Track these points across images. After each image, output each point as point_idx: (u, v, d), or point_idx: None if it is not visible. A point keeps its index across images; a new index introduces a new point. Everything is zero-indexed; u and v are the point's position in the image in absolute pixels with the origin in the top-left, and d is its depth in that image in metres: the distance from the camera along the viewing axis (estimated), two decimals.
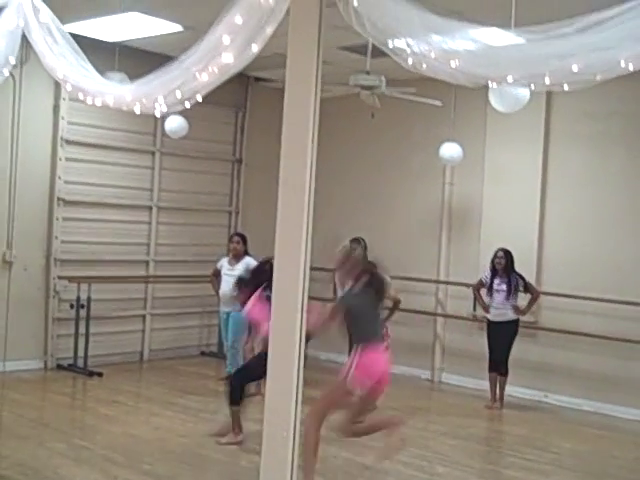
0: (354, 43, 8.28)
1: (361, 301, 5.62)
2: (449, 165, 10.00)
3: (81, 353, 9.28)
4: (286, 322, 4.11)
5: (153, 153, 10.28)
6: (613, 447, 7.49)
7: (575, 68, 3.71)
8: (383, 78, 7.75)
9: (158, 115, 4.86)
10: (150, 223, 10.28)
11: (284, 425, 4.08)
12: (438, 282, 10.20)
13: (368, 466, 6.42)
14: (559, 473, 6.58)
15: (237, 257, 8.57)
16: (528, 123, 9.26)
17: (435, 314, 10.20)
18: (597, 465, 6.88)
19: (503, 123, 9.21)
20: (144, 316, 10.28)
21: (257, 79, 11.02)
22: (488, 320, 8.77)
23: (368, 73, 7.75)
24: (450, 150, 9.43)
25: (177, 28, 8.24)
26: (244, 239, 8.67)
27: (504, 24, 4.17)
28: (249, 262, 8.36)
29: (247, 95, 11.27)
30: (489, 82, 3.98)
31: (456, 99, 9.94)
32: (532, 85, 3.91)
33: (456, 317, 9.93)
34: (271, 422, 4.19)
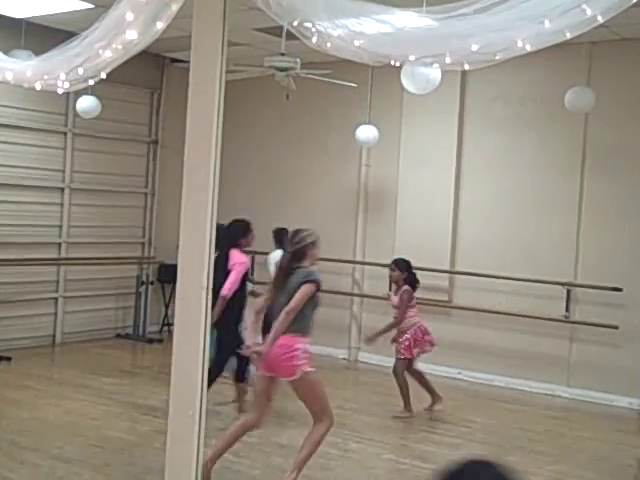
0: (269, 25, 8.25)
1: None
2: (365, 147, 10.08)
3: None
4: (191, 300, 4.10)
5: (65, 134, 10.05)
6: (523, 420, 7.71)
7: (474, 47, 3.78)
8: (298, 60, 7.75)
9: (60, 92, 4.76)
10: (62, 205, 10.06)
11: (190, 404, 4.08)
12: (354, 262, 10.29)
13: (283, 444, 6.46)
14: (469, 446, 6.73)
15: None
16: (443, 106, 9.40)
17: (352, 294, 10.29)
18: (507, 438, 7.06)
19: (419, 106, 9.34)
20: (56, 299, 10.08)
21: (173, 60, 10.90)
22: None
23: (283, 55, 7.73)
24: (366, 132, 9.50)
25: (87, 5, 8.05)
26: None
27: (416, 4, 4.21)
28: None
29: (163, 76, 11.11)
30: (392, 61, 4.02)
31: (372, 82, 10.03)
32: (434, 64, 3.98)
33: (372, 297, 10.03)
34: (177, 401, 4.18)
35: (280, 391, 8.29)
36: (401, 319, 7.59)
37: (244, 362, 6.91)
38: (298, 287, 5.17)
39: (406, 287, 7.65)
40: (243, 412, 6.75)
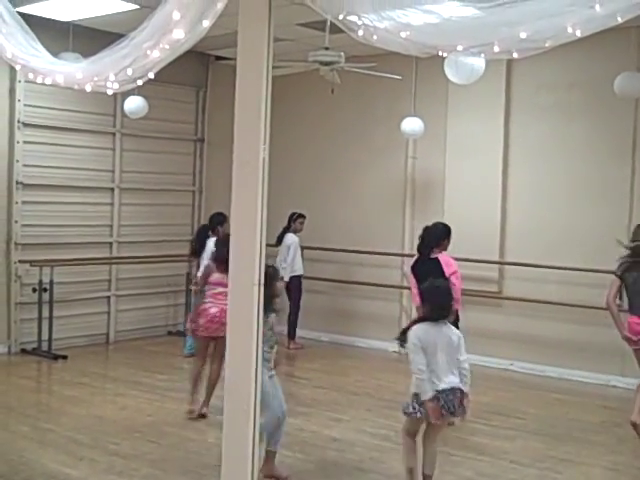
0: (313, 19, 8.26)
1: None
2: (411, 139, 10.03)
3: (45, 337, 9.24)
4: (244, 297, 4.12)
5: (113, 134, 10.19)
6: (577, 411, 7.62)
7: (523, 35, 3.74)
8: (342, 54, 7.74)
9: (110, 93, 4.82)
10: (112, 204, 10.22)
11: (244, 399, 4.11)
12: (403, 255, 10.25)
13: (336, 438, 6.48)
14: (524, 437, 6.69)
15: None
16: (489, 95, 9.32)
17: (401, 287, 10.26)
18: (561, 429, 6.99)
19: (464, 96, 9.27)
20: (109, 297, 10.24)
21: (217, 58, 10.97)
22: None
23: (327, 49, 7.73)
24: (412, 124, 9.46)
25: (133, 7, 8.14)
26: None
27: None
28: None
29: (208, 74, 11.20)
30: (439, 52, 3.99)
31: (417, 73, 9.99)
32: (482, 54, 3.94)
33: None
34: (232, 396, 4.21)
35: (333, 386, 8.36)
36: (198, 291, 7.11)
37: None
38: None
39: (209, 262, 7.09)
40: None
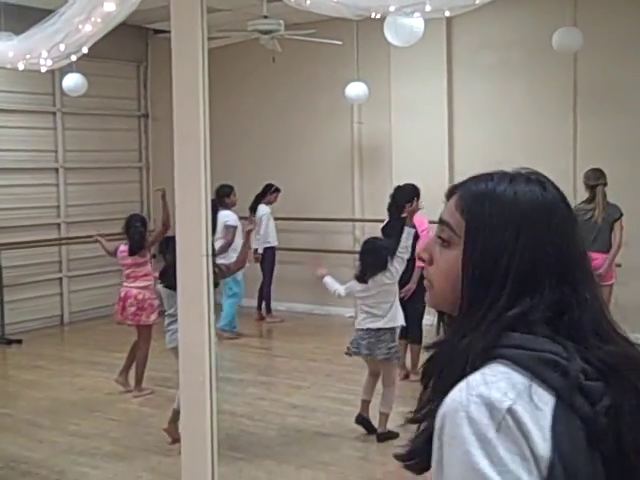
0: None
1: None
2: (356, 104, 10.03)
3: None
4: (192, 269, 4.11)
5: (54, 113, 10.03)
6: None
7: None
8: (281, 21, 7.70)
9: (44, 71, 4.75)
10: (58, 185, 10.08)
11: (200, 371, 4.12)
12: (354, 220, 10.30)
13: (296, 405, 6.54)
14: None
15: None
16: (430, 56, 9.33)
17: (353, 252, 10.29)
18: None
19: (406, 58, 9.26)
20: (61, 279, 10.14)
21: (156, 31, 10.80)
22: None
23: (266, 17, 7.68)
24: (356, 89, 9.45)
25: None
26: None
27: None
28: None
29: (147, 48, 11.05)
30: (372, 13, 4.00)
31: (358, 38, 9.97)
32: (415, 13, 3.95)
33: None
34: (187, 369, 4.22)
35: (292, 354, 8.41)
36: None
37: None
38: None
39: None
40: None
